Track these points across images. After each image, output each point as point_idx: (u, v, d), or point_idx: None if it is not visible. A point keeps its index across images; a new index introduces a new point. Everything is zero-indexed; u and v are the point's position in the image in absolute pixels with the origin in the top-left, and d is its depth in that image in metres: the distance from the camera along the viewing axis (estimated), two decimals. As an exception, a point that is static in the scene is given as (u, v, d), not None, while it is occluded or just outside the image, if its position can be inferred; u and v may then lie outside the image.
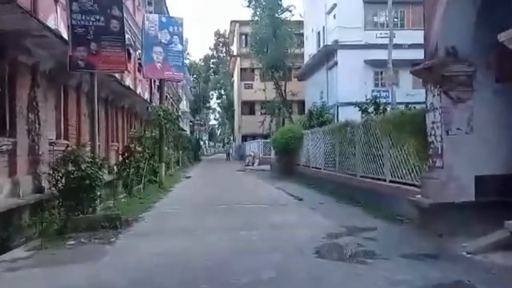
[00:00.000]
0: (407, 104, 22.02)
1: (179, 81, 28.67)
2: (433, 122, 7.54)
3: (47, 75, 10.61)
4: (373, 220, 8.71)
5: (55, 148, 11.09)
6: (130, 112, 20.69)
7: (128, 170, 14.11)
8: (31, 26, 7.98)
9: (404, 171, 8.77)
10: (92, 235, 7.73)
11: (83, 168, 8.24)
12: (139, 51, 20.04)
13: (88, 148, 10.54)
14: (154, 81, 25.55)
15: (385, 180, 9.57)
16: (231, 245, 7.00)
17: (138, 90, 22.45)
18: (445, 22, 7.47)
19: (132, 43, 20.16)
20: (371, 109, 14.85)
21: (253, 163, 34.27)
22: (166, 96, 26.84)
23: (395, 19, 31.69)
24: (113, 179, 14.29)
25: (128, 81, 20.19)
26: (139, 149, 15.34)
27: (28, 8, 8.76)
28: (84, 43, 9.06)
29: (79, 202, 8.29)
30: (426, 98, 7.98)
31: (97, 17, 9.06)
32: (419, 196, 7.72)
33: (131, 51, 20.44)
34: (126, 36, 20.50)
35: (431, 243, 6.79)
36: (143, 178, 14.64)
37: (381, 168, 9.83)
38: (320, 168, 15.27)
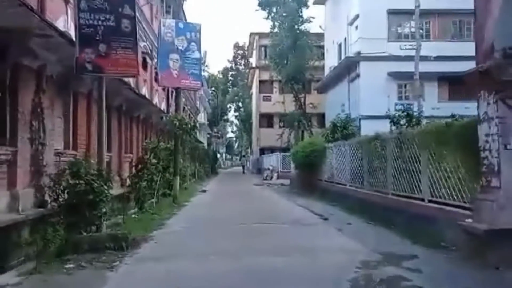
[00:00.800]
0: (433, 117, 20.90)
1: (196, 90, 27.94)
2: (487, 135, 6.50)
3: (55, 80, 9.85)
4: (412, 246, 7.64)
5: (61, 158, 10.30)
6: (146, 123, 19.94)
7: (140, 183, 13.32)
8: (33, 23, 7.22)
9: (447, 191, 7.69)
10: (94, 258, 6.84)
11: (86, 181, 7.39)
12: (156, 60, 19.39)
13: (95, 159, 9.68)
14: (172, 91, 24.85)
15: (423, 200, 8.48)
16: (252, 275, 6.02)
17: (155, 100, 21.78)
18: (503, 19, 6.47)
19: (149, 51, 19.52)
20: (403, 121, 13.73)
21: (271, 177, 33.27)
22: (184, 108, 26.16)
23: (421, 30, 30.56)
24: (123, 192, 13.53)
25: (144, 91, 19.52)
26: (153, 160, 14.59)
27: (35, 7, 8.08)
28: (92, 44, 8.27)
29: (81, 219, 7.42)
30: (478, 108, 6.96)
31: (107, 16, 8.26)
32: (470, 220, 6.64)
33: (147, 59, 19.81)
34: (143, 44, 19.97)
35: (488, 276, 5.73)
36: (155, 192, 13.80)
37: (418, 186, 8.75)
38: (345, 184, 14.21)
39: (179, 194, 16.72)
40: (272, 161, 36.11)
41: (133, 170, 14.57)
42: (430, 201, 8.26)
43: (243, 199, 18.25)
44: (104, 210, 7.90)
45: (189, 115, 27.47)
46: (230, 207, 14.72)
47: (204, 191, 22.31)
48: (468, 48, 28.41)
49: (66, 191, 7.52)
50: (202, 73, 53.26)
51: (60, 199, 7.56)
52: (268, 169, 34.75)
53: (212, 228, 10.05)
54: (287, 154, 33.33)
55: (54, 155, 9.87)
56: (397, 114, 12.69)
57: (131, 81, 17.17)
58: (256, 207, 14.60)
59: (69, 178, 7.60)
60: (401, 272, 5.99)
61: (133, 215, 11.94)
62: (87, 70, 8.42)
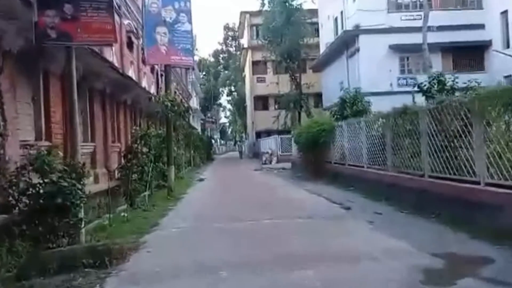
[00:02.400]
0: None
1: (189, 68, 25.93)
2: None
3: (16, 56, 8.06)
4: (473, 242, 6.02)
5: (31, 151, 8.58)
6: (134, 109, 18.05)
7: (129, 175, 11.63)
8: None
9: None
10: (66, 280, 5.14)
11: (54, 179, 5.67)
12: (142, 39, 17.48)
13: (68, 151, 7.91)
14: (161, 75, 22.99)
15: (478, 183, 6.84)
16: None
17: (143, 84, 19.92)
18: None
19: (134, 30, 17.59)
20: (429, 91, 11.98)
21: (270, 161, 31.64)
22: (175, 92, 24.28)
23: (421, 0, 28.93)
24: (112, 187, 11.86)
25: (130, 73, 17.67)
26: (144, 149, 12.88)
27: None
28: (55, 5, 6.46)
29: (48, 229, 5.70)
30: None
31: (73, -33, 6.46)
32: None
33: (133, 39, 17.94)
34: (127, 21, 18.08)
35: None
36: (148, 184, 12.10)
37: (470, 165, 7.10)
38: (361, 166, 12.57)
39: (174, 185, 15.06)
40: (270, 144, 34.42)
41: (123, 161, 12.90)
42: (488, 184, 6.62)
43: (245, 187, 16.61)
44: (79, 215, 6.18)
45: (181, 100, 25.58)
46: (233, 197, 13.06)
47: (202, 179, 20.63)
48: (471, 17, 26.84)
49: (27, 194, 5.77)
50: (194, 45, 51.53)
51: (20, 205, 5.81)
52: (267, 152, 33.08)
53: (216, 228, 8.32)
54: (286, 136, 31.73)
55: (21, 148, 8.11)
56: (427, 83, 10.89)
57: (115, 61, 15.34)
58: (263, 196, 12.93)
59: (30, 176, 5.86)
60: (485, 286, 4.38)
61: (122, 213, 10.25)
62: (50, 39, 6.60)
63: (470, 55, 28.62)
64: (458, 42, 26.88)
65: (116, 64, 14.94)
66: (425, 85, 11.04)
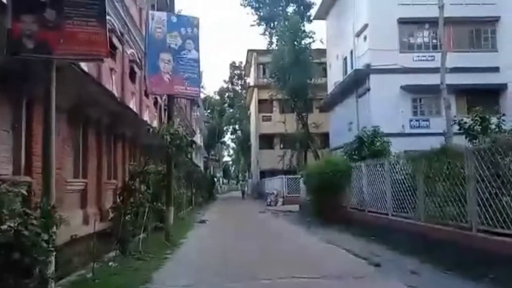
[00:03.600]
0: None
1: (194, 98, 24.71)
2: None
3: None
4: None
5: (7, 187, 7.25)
6: (135, 143, 16.79)
7: (122, 216, 10.24)
8: None
9: None
10: None
11: (12, 226, 4.31)
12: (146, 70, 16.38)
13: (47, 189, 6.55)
14: (165, 109, 21.88)
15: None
16: None
17: (145, 117, 18.76)
18: None
19: (138, 59, 16.61)
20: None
21: (276, 203, 30.07)
22: (178, 126, 23.06)
23: (434, 40, 28.22)
24: (93, 232, 10.47)
25: (131, 105, 16.55)
26: (142, 187, 11.57)
27: None
28: (34, 9, 5.30)
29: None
30: None
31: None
32: None
33: (135, 69, 16.92)
34: (130, 51, 17.16)
35: None
36: (143, 227, 10.67)
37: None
38: (385, 214, 11.12)
39: (173, 228, 13.60)
40: (276, 184, 32.93)
41: (118, 200, 11.56)
42: None
43: (251, 232, 15.08)
44: (47, 273, 4.76)
45: (184, 134, 24.34)
46: (240, 246, 11.52)
47: (204, 221, 19.10)
48: (485, 59, 25.86)
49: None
50: (201, 76, 50.80)
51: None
52: (272, 193, 31.55)
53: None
54: (293, 176, 30.34)
55: (-7, 185, 6.79)
56: (469, 121, 9.49)
57: (114, 91, 14.23)
58: (273, 245, 11.38)
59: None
60: None
61: (110, 263, 8.80)
62: (26, 49, 5.38)
63: (485, 98, 27.53)
64: (473, 85, 25.85)
65: (116, 95, 13.84)
66: (465, 123, 9.69)
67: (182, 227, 15.70)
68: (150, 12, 12.20)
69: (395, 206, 10.50)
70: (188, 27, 11.91)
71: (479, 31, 27.95)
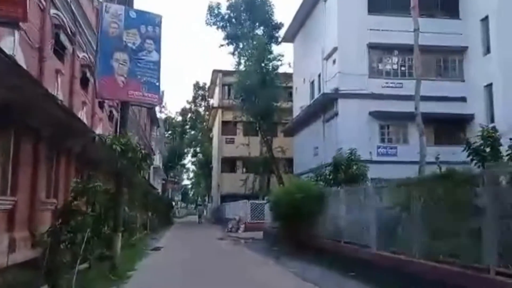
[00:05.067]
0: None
1: (152, 107, 22.85)
2: None
3: None
4: None
5: None
6: (83, 159, 14.79)
7: (55, 244, 8.37)
8: None
9: None
10: None
11: None
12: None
13: None
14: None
15: None
16: None
17: (98, 131, 16.78)
18: None
19: (91, 64, 14.77)
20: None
21: (237, 229, 28.29)
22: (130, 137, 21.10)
23: (402, 68, 27.91)
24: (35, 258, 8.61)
25: (81, 115, 14.65)
26: (87, 209, 9.77)
27: None
28: None
29: None
30: None
31: None
32: None
33: (88, 74, 15.06)
34: (82, 54, 15.37)
35: None
36: (80, 257, 8.76)
37: None
38: (366, 246, 9.72)
39: (123, 256, 11.70)
40: (238, 209, 31.20)
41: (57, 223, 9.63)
42: None
43: (212, 263, 13.30)
44: None
45: (140, 148, 22.27)
46: (197, 281, 9.78)
47: (158, 248, 17.12)
48: (452, 88, 25.53)
49: None
50: (159, 114, 48.98)
51: None
52: (234, 219, 29.78)
53: None
54: (257, 202, 28.77)
55: None
56: (478, 142, 8.30)
57: (61, 96, 12.37)
58: (239, 282, 9.73)
59: None
60: None
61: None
62: None
63: (452, 127, 27.23)
64: (440, 114, 25.36)
65: (63, 101, 11.99)
66: (475, 142, 8.52)
67: (133, 255, 13.73)
68: (104, 3, 10.53)
69: (382, 239, 9.12)
70: (149, 25, 10.36)
71: (446, 61, 27.86)
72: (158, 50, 10.39)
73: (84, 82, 15.22)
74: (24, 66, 9.27)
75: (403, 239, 8.17)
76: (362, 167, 13.92)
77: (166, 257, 14.79)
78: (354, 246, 10.47)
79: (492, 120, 24.52)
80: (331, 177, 14.15)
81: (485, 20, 24.78)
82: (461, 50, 27.09)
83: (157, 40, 10.45)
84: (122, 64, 9.92)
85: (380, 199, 9.38)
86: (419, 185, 7.64)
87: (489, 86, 25.02)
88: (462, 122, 26.74)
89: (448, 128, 26.84)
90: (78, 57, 14.29)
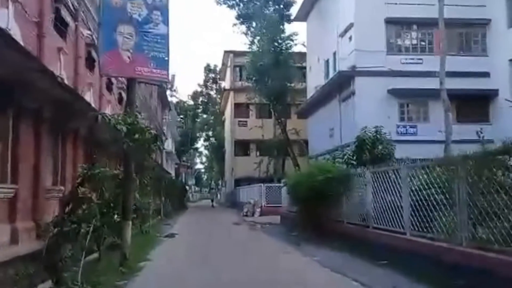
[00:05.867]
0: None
1: (161, 84, 21.93)
2: None
3: None
4: None
5: None
6: (92, 144, 14.05)
7: (59, 236, 7.64)
8: None
9: None
10: None
11: None
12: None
13: None
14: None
15: None
16: None
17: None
18: None
19: (96, 42, 13.91)
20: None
21: (253, 213, 27.63)
22: (137, 115, 20.32)
23: (422, 43, 26.55)
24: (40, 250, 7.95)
25: (88, 97, 13.87)
26: (93, 195, 8.99)
27: None
28: None
29: None
30: None
31: None
32: None
33: (93, 54, 14.23)
34: (86, 32, 14.54)
35: None
36: (85, 249, 8.02)
37: None
38: (399, 232, 8.85)
39: (135, 244, 11.00)
40: (252, 193, 30.45)
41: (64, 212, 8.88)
42: None
43: (230, 250, 12.58)
44: None
45: (148, 128, 21.41)
46: (216, 270, 9.03)
47: (172, 235, 16.42)
48: (475, 63, 24.10)
49: None
50: (170, 98, 47.91)
51: None
52: (249, 203, 29.07)
53: None
54: (273, 185, 28.01)
55: None
56: None
57: (65, 78, 11.57)
58: (261, 271, 8.95)
59: None
60: None
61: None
62: None
63: (475, 104, 25.96)
64: (463, 90, 24.03)
65: (65, 77, 11.20)
66: None
67: (145, 243, 13.07)
68: (107, -30, 9.59)
69: (416, 223, 8.23)
70: (155, -6, 9.42)
71: (469, 34, 26.44)
72: (166, 22, 9.46)
73: (90, 63, 14.41)
74: (21, 42, 8.50)
75: (443, 225, 7.25)
76: (389, 146, 12.94)
77: (180, 245, 14.10)
78: (384, 231, 9.60)
79: (517, 96, 23.29)
80: (354, 157, 13.22)
81: (509, -11, 23.31)
82: (485, 23, 25.64)
83: (164, 12, 9.52)
84: (127, 37, 9.02)
85: (415, 180, 8.45)
86: (466, 164, 6.68)
87: (513, 60, 23.73)
88: (485, 98, 25.58)
89: (471, 105, 25.61)
90: (83, 35, 13.45)
